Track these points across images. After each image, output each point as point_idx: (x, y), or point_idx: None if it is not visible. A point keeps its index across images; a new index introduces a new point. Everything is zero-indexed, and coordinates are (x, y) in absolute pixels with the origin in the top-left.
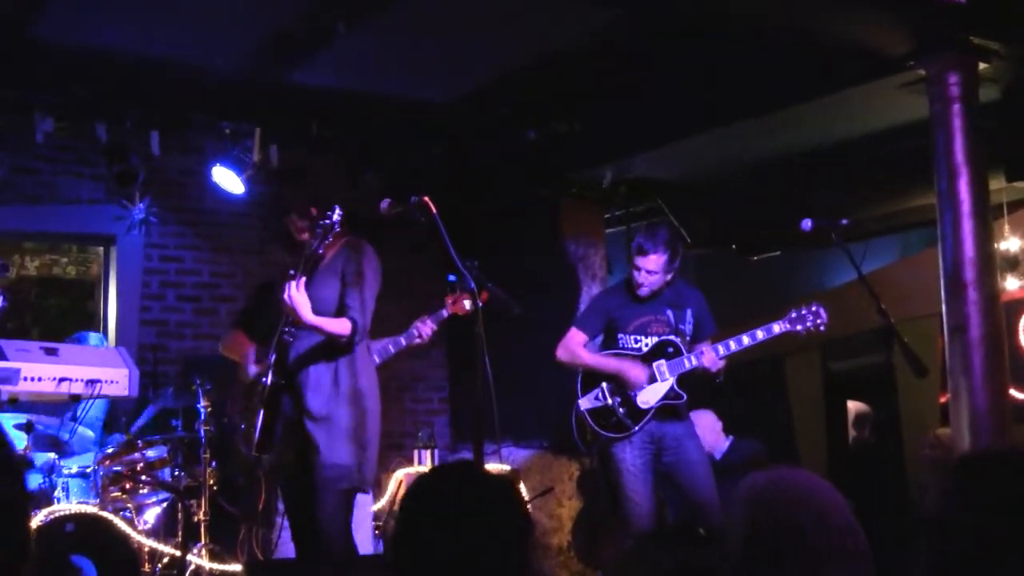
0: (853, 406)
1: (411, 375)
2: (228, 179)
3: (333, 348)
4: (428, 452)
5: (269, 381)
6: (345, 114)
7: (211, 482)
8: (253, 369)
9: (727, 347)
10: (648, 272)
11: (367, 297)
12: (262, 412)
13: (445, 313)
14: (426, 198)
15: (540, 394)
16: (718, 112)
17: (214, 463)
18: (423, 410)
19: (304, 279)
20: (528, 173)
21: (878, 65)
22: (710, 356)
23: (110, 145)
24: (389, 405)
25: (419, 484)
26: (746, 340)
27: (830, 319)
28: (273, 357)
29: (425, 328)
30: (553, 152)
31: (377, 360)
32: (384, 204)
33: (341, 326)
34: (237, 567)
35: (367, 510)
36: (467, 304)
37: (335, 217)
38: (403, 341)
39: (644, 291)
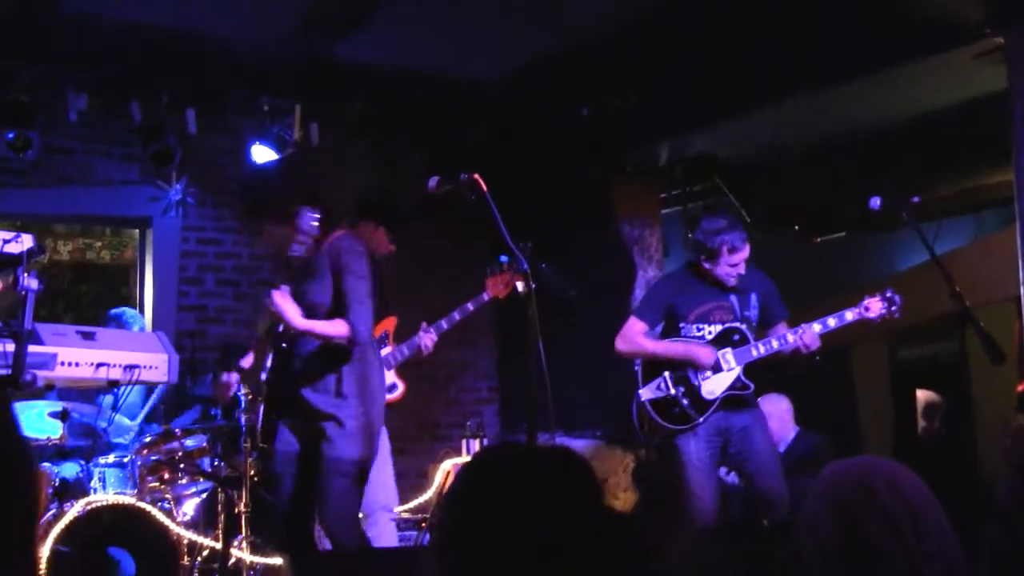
0: (923, 395)
1: (460, 363)
2: (267, 158)
3: (335, 350)
4: (477, 442)
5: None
6: (388, 90)
7: (252, 472)
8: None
9: (825, 325)
10: (743, 264)
11: (362, 294)
12: (263, 407)
13: (486, 296)
14: (476, 176)
15: (593, 382)
16: (780, 85)
17: (255, 453)
18: (471, 399)
19: (288, 286)
20: (579, 151)
21: (952, 34)
22: (810, 333)
23: (145, 123)
24: (436, 394)
25: (467, 469)
26: (832, 322)
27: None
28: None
29: (428, 338)
30: (606, 129)
31: (408, 351)
32: (432, 182)
33: (336, 328)
34: (279, 560)
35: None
36: (519, 286)
37: (313, 223)
38: (406, 350)
39: (734, 281)
